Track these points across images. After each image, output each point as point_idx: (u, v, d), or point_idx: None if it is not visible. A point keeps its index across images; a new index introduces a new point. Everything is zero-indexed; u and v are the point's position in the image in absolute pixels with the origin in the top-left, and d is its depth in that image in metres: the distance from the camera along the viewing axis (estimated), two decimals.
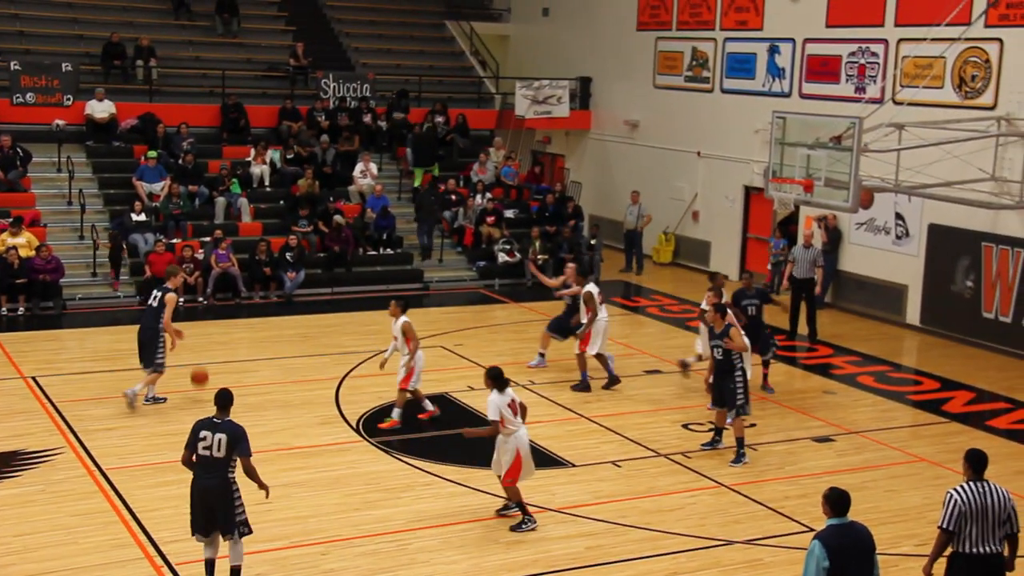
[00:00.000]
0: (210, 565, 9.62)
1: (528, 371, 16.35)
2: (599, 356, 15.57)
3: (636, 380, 16.22)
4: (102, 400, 14.67)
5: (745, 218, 23.60)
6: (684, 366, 15.62)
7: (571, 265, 16.76)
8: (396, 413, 14.06)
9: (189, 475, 9.67)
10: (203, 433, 9.46)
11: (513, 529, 11.01)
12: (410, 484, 12.15)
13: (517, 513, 11.14)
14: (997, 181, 17.49)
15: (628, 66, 26.60)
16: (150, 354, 14.38)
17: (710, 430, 13.56)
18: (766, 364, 15.59)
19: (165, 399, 14.63)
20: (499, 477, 11.15)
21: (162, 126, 23.34)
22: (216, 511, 9.39)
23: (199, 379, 13.51)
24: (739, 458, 12.88)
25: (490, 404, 10.89)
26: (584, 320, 15.62)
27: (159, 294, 14.44)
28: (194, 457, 9.47)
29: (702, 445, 13.33)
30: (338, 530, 10.90)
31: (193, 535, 9.60)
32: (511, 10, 31.18)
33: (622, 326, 20.08)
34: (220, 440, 9.36)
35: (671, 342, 18.50)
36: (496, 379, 10.96)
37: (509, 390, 11.03)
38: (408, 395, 14.18)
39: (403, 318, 14.24)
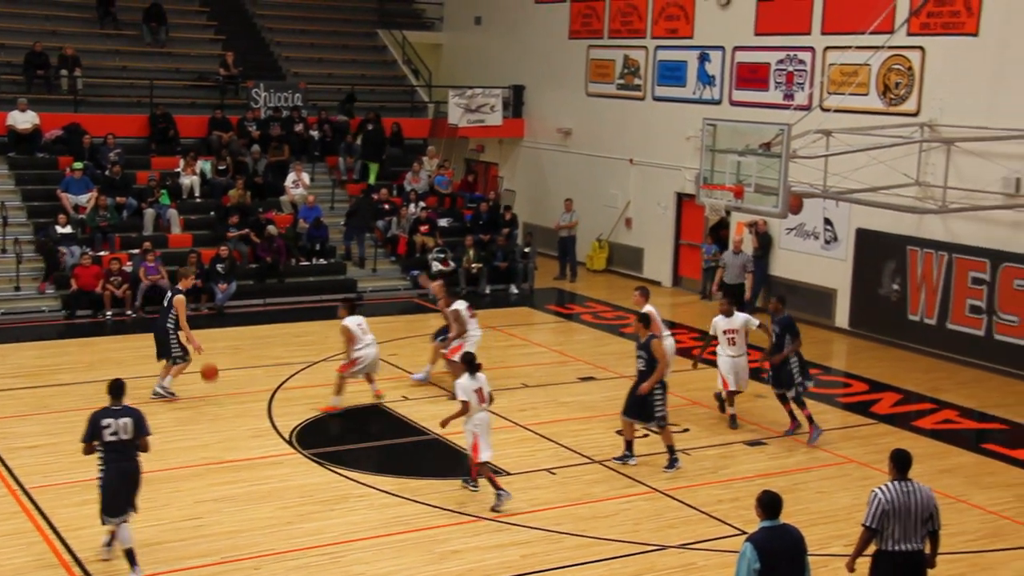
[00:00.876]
0: (130, 554, 9.96)
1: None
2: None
3: (570, 387, 16.25)
4: (26, 417, 14.34)
5: (677, 224, 23.80)
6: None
7: (436, 283, 16.74)
8: (334, 400, 14.75)
9: (143, 493, 10.01)
10: (106, 421, 10.04)
11: (493, 509, 11.61)
12: (344, 496, 12.03)
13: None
14: (921, 186, 17.84)
15: (560, 74, 26.71)
16: (166, 348, 15.09)
17: (644, 436, 13.61)
18: (783, 399, 14.27)
19: (174, 395, 15.13)
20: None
21: (88, 137, 22.94)
22: (133, 490, 10.12)
23: (209, 374, 14.78)
24: (672, 464, 12.92)
25: (458, 387, 11.89)
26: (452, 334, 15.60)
27: (170, 295, 15.25)
28: (98, 444, 10.06)
29: (614, 458, 13.13)
30: (271, 544, 10.75)
31: (108, 521, 10.05)
32: (443, 19, 31.16)
33: (556, 334, 20.16)
34: (126, 424, 10.06)
35: (604, 349, 18.57)
36: (468, 364, 11.94)
37: (480, 375, 11.90)
38: (341, 380, 14.82)
39: (344, 320, 14.88)
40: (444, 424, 12.15)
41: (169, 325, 15.10)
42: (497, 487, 11.76)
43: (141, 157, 23.76)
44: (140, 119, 24.36)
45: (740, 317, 14.39)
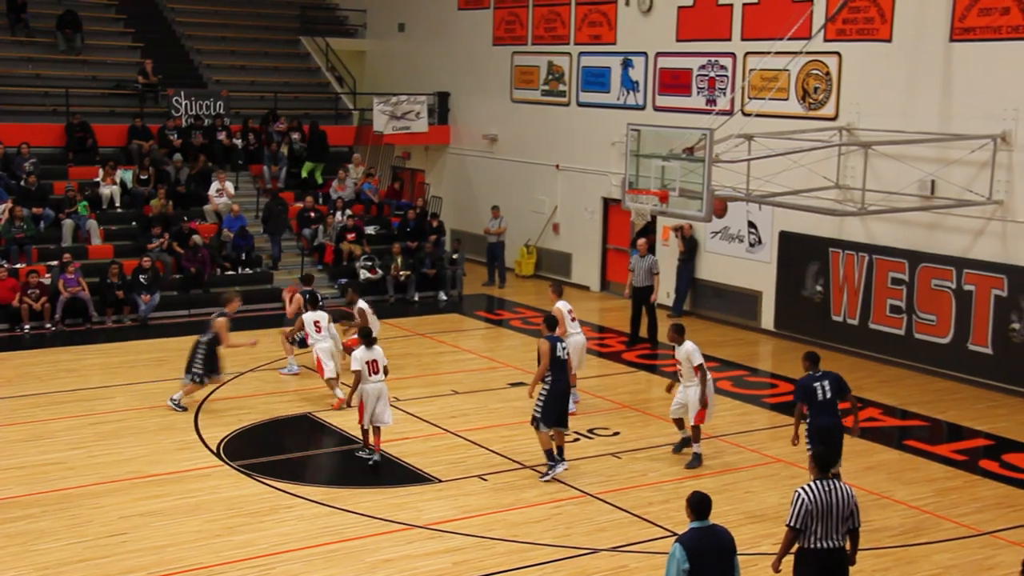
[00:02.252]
0: None
1: (396, 388, 16.20)
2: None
3: (501, 393, 16.25)
4: None
5: (604, 229, 23.95)
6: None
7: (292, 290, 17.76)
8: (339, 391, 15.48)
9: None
10: None
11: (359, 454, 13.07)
12: (273, 507, 11.89)
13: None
14: (841, 189, 18.18)
15: (485, 81, 26.75)
16: (189, 364, 15.12)
17: (577, 439, 13.65)
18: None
19: (186, 409, 15.07)
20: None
21: (1, 147, 22.38)
22: None
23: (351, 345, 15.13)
24: (548, 473, 12.69)
25: (354, 358, 13.12)
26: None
27: (214, 315, 15.35)
28: None
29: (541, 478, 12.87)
30: (198, 558, 10.58)
31: None
32: (367, 26, 31.02)
33: (485, 339, 20.14)
34: None
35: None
36: (364, 337, 13.28)
37: (376, 348, 13.19)
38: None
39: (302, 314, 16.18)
40: (349, 403, 13.40)
41: (202, 343, 15.11)
42: (367, 444, 13.34)
43: (58, 167, 23.27)
44: (56, 128, 23.86)
45: (682, 350, 13.21)
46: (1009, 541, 11.29)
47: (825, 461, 8.75)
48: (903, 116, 17.86)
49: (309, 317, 15.98)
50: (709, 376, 13.22)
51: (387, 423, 13.21)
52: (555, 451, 12.81)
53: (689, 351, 13.10)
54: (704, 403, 13.07)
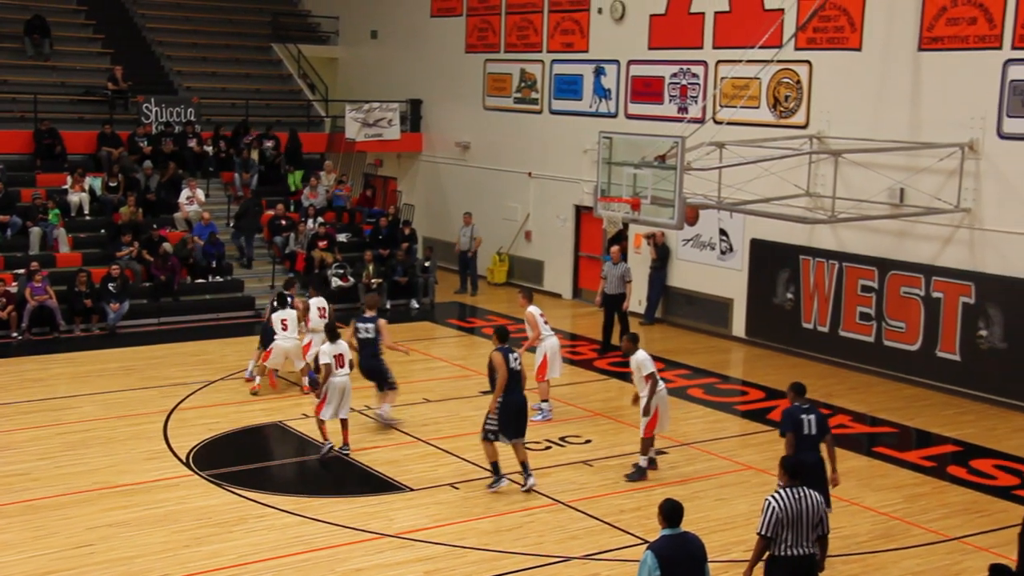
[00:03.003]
0: None
1: (365, 396, 16.15)
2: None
3: (473, 401, 16.20)
4: None
5: (577, 237, 23.98)
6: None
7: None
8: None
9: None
10: None
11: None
12: (243, 517, 11.79)
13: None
14: (812, 196, 18.28)
15: (458, 88, 26.74)
16: (382, 376, 15.02)
17: (547, 448, 13.62)
18: None
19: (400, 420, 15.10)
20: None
21: None
22: None
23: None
24: (494, 483, 12.55)
25: (321, 352, 13.56)
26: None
27: (370, 324, 14.93)
28: None
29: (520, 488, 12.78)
30: (165, 569, 10.47)
31: None
32: (339, 33, 30.94)
33: (457, 347, 20.10)
34: None
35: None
36: (329, 332, 13.89)
37: (341, 342, 13.72)
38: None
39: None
40: (319, 395, 13.66)
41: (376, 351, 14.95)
42: (324, 438, 13.66)
43: (26, 174, 23.05)
44: (24, 135, 23.62)
45: (634, 359, 13.06)
46: (976, 547, 11.36)
47: (795, 468, 8.77)
48: (873, 124, 17.99)
49: (276, 316, 16.30)
50: (661, 387, 13.03)
51: (344, 416, 13.76)
52: (521, 465, 12.59)
53: (640, 360, 12.95)
54: (647, 412, 12.85)
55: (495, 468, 12.52)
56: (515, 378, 12.34)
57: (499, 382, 12.27)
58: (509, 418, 12.30)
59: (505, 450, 12.69)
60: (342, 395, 13.55)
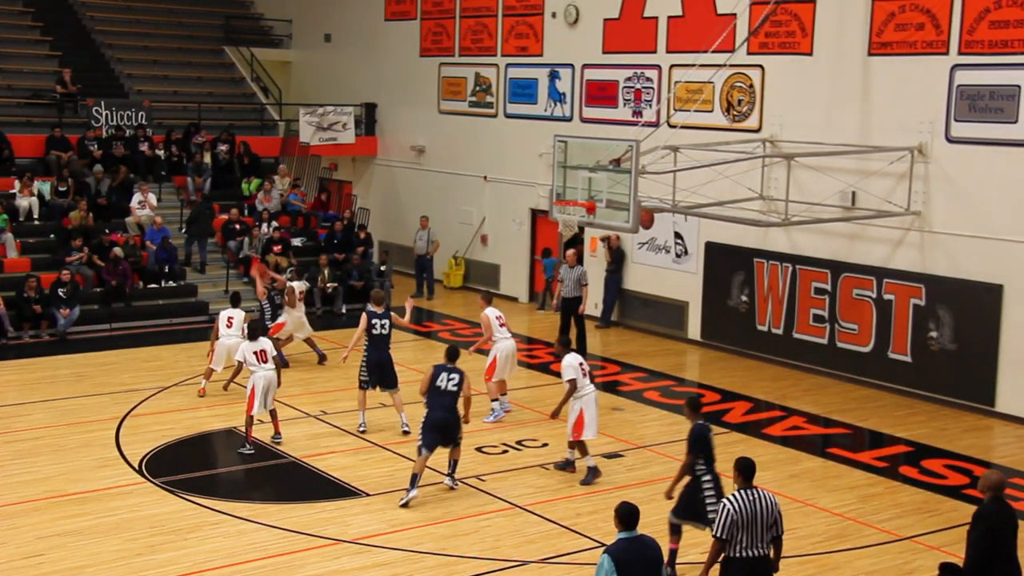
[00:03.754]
0: None
1: (324, 401, 16.07)
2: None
3: None
4: None
5: (533, 240, 24.00)
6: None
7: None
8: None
9: None
10: None
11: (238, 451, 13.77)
12: (198, 524, 11.67)
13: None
14: (765, 200, 18.44)
15: (412, 92, 26.68)
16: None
17: (504, 451, 13.57)
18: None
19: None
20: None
21: None
22: None
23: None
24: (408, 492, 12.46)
25: (241, 350, 14.30)
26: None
27: (387, 320, 14.92)
28: None
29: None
30: None
31: None
32: (292, 36, 30.76)
33: (414, 351, 20.02)
34: None
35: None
36: (250, 330, 14.55)
37: (262, 339, 14.31)
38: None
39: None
40: (226, 388, 15.25)
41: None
42: (248, 438, 13.88)
43: None
44: None
45: (564, 361, 13.16)
46: (928, 546, 11.51)
47: (749, 470, 8.82)
48: (824, 128, 18.18)
49: (223, 314, 16.65)
50: (590, 392, 13.00)
51: (271, 408, 14.22)
52: (449, 466, 12.71)
53: (563, 365, 13.07)
54: (554, 415, 13.10)
55: (414, 480, 12.32)
56: (438, 395, 12.53)
57: (466, 399, 12.62)
58: (430, 433, 12.38)
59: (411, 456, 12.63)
60: (266, 389, 13.97)
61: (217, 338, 16.36)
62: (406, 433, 14.51)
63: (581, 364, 13.10)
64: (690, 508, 10.41)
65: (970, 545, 8.69)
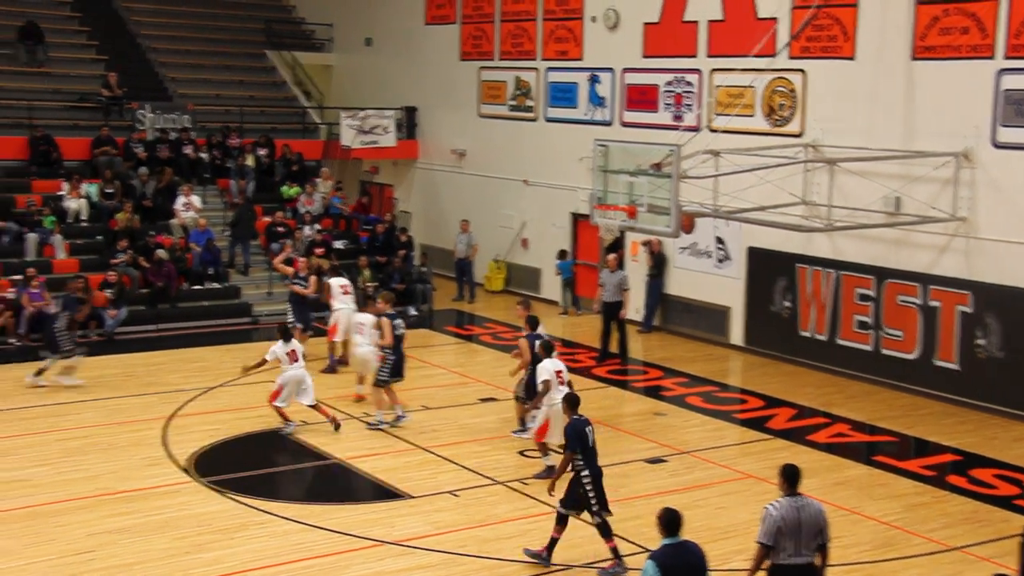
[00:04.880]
0: None
1: (360, 404, 16.16)
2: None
3: (471, 408, 16.23)
4: None
5: (573, 244, 24.01)
6: None
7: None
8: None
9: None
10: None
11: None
12: (244, 524, 11.79)
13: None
14: (807, 205, 18.34)
15: (453, 95, 26.77)
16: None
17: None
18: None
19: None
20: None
21: None
22: None
23: None
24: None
25: (271, 353, 14.87)
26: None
27: (404, 325, 15.50)
28: None
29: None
30: None
31: None
32: (333, 40, 30.96)
33: (456, 355, 20.12)
34: None
35: (505, 369, 18.39)
36: (282, 332, 15.06)
37: (293, 341, 14.99)
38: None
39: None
40: (247, 370, 15.28)
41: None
42: (286, 420, 14.80)
43: (20, 180, 23.02)
44: (18, 141, 23.61)
45: (541, 365, 13.32)
46: (978, 557, 11.40)
47: (793, 476, 8.76)
48: (867, 133, 18.06)
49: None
50: (555, 403, 12.92)
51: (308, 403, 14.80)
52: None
53: (540, 368, 13.35)
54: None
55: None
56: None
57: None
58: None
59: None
60: (297, 385, 14.70)
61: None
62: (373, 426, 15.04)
63: (559, 372, 13.27)
64: (575, 500, 10.81)
65: (1023, 557, 8.60)
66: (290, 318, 18.12)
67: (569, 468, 10.83)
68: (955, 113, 16.92)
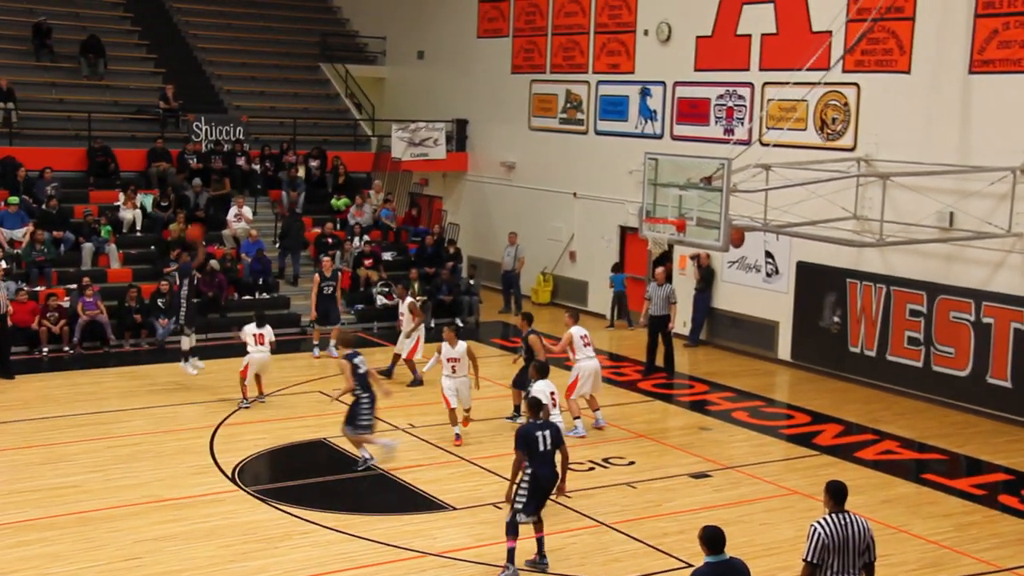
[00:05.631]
0: None
1: (412, 414, 16.23)
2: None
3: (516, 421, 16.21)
4: None
5: (621, 258, 23.95)
6: None
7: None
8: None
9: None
10: None
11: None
12: (288, 533, 11.88)
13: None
14: (859, 220, 18.15)
15: (503, 108, 26.86)
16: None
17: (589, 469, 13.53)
18: None
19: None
20: None
21: (23, 170, 22.58)
22: None
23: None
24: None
25: (244, 332, 16.54)
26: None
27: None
28: None
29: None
30: None
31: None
32: (386, 53, 31.22)
33: (502, 367, 20.09)
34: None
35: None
36: (257, 316, 16.74)
37: (267, 326, 16.64)
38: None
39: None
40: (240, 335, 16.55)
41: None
42: (244, 395, 16.28)
43: (79, 191, 23.46)
44: (78, 152, 24.08)
45: (535, 386, 13.64)
46: None
47: (840, 493, 8.65)
48: (921, 147, 17.84)
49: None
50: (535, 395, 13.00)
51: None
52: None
53: (534, 390, 13.52)
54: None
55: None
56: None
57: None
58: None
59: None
60: (259, 366, 16.41)
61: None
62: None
63: (552, 393, 13.48)
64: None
65: None
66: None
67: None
68: (1013, 128, 16.66)
